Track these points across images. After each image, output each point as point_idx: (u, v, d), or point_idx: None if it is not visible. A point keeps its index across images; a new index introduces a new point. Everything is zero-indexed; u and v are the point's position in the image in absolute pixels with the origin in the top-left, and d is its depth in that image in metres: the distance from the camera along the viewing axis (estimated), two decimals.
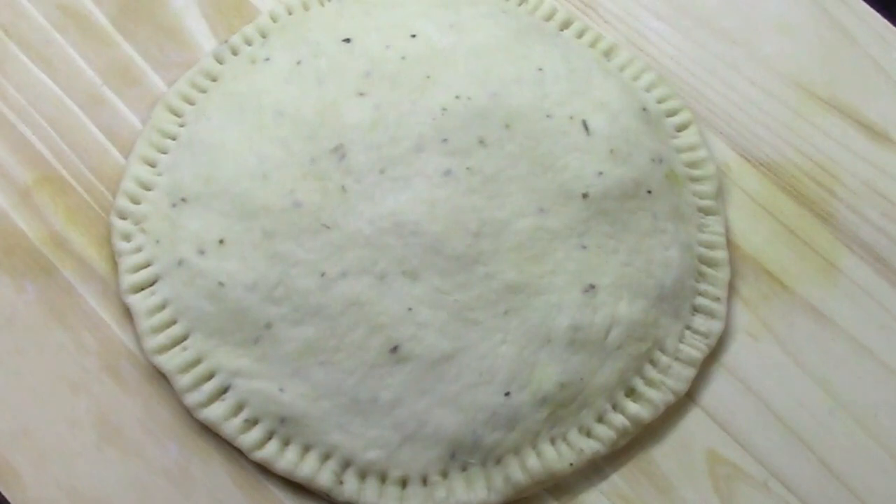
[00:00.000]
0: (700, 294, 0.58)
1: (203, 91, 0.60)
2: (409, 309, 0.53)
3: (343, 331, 0.52)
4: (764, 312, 0.58)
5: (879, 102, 0.64)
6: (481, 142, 0.56)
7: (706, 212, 0.60)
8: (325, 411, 0.52)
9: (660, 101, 0.63)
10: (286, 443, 0.52)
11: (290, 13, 0.64)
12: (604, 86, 0.60)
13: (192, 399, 0.53)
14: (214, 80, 0.61)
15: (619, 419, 0.54)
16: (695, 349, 0.56)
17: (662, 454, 0.55)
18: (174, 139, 0.59)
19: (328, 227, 0.54)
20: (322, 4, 0.64)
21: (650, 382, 0.55)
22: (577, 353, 0.53)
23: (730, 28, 0.66)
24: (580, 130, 0.57)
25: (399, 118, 0.56)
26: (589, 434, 0.53)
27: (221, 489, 0.52)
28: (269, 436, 0.52)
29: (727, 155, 0.62)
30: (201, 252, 0.54)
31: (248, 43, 0.62)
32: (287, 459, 0.52)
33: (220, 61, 0.61)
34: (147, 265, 0.55)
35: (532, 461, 0.52)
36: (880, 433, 0.55)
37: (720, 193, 0.61)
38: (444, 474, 0.52)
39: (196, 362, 0.53)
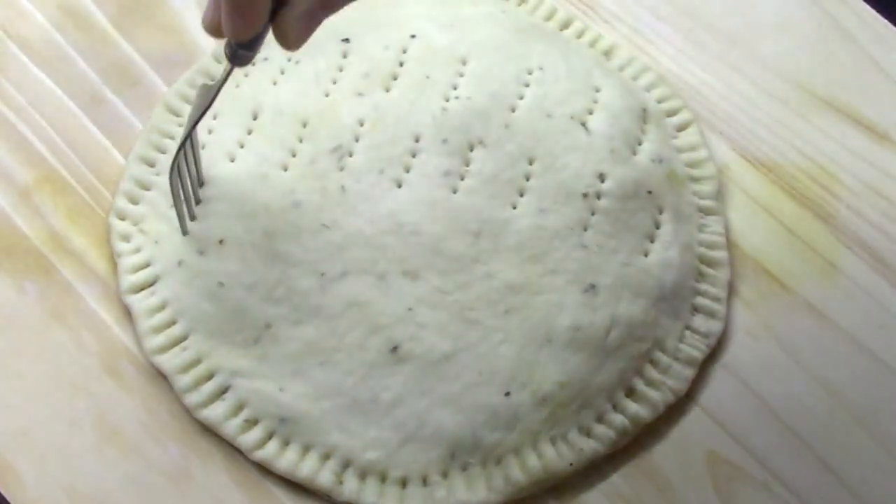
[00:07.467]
0: (700, 294, 0.58)
1: None
2: (409, 309, 0.53)
3: (343, 331, 0.52)
4: (764, 312, 0.58)
5: (879, 102, 0.64)
6: (481, 142, 0.56)
7: (706, 212, 0.60)
8: (325, 411, 0.52)
9: (660, 101, 0.62)
10: (286, 443, 0.52)
11: None
12: (604, 86, 0.60)
13: (191, 399, 0.53)
14: (214, 80, 0.60)
15: (619, 419, 0.54)
16: (695, 349, 0.56)
17: (662, 454, 0.54)
18: (174, 139, 0.59)
19: (328, 227, 0.54)
20: None
21: (650, 382, 0.55)
22: (577, 352, 0.53)
23: (730, 28, 0.66)
24: (580, 130, 0.57)
25: (398, 118, 0.56)
26: (589, 434, 0.53)
27: (221, 489, 0.52)
28: (269, 436, 0.52)
29: (727, 155, 0.62)
30: (201, 252, 0.54)
31: None
32: (287, 459, 0.52)
33: (219, 61, 0.61)
34: (146, 265, 0.55)
35: (532, 461, 0.52)
36: (880, 433, 0.55)
37: (720, 193, 0.61)
38: (445, 474, 0.52)
39: (196, 362, 0.53)
